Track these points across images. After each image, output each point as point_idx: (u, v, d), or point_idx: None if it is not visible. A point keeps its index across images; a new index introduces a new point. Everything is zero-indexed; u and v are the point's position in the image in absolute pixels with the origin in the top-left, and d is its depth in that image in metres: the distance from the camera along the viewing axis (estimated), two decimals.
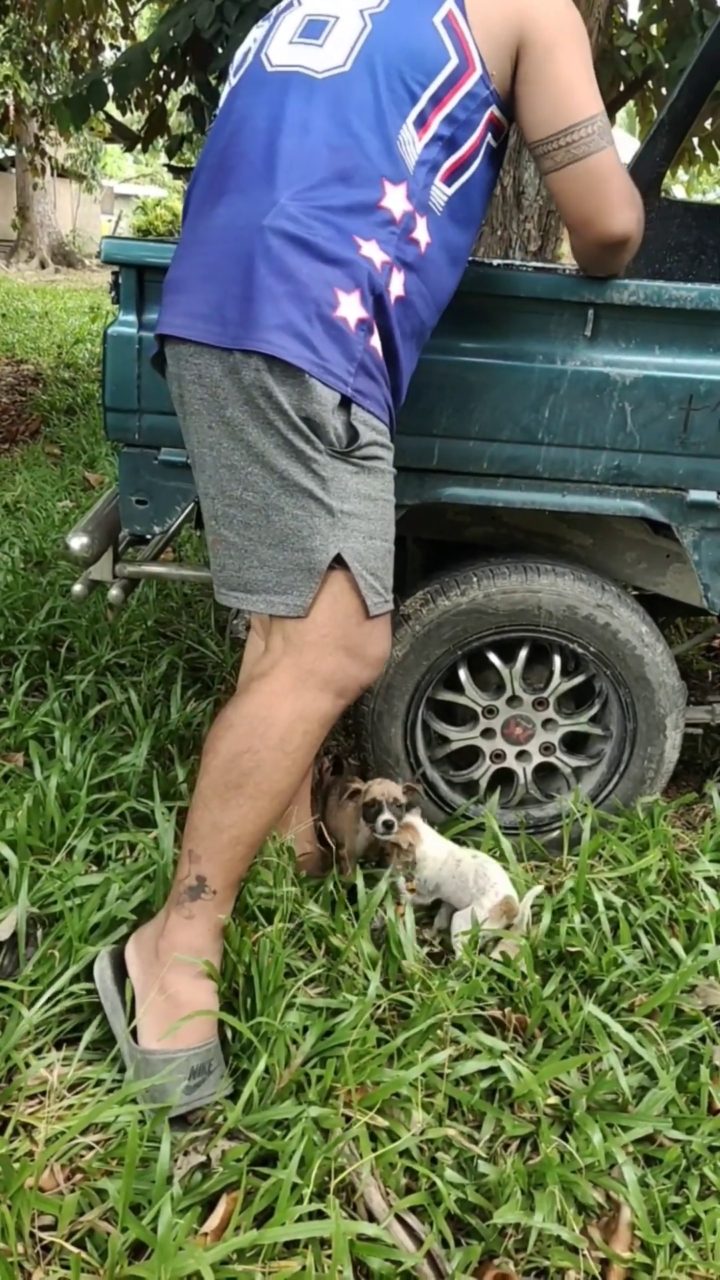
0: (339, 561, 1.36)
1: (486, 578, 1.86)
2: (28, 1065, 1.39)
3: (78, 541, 1.81)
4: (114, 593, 1.94)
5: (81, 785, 1.92)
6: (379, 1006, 1.51)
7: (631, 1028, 1.52)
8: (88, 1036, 1.43)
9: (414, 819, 1.79)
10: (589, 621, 1.86)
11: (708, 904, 1.76)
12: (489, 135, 1.43)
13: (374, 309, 1.33)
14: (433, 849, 1.76)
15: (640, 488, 1.75)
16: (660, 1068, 1.42)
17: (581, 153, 1.41)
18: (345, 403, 1.33)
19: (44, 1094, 1.37)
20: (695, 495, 1.74)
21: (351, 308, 1.30)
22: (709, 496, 1.74)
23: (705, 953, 1.64)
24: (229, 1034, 1.44)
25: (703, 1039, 1.50)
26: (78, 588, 1.93)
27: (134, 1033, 1.39)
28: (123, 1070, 1.38)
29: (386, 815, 1.70)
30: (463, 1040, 1.45)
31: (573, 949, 1.64)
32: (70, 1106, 1.35)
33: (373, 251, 1.31)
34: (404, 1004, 1.53)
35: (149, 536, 1.91)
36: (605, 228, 1.48)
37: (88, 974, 1.48)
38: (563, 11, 1.40)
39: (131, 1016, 1.40)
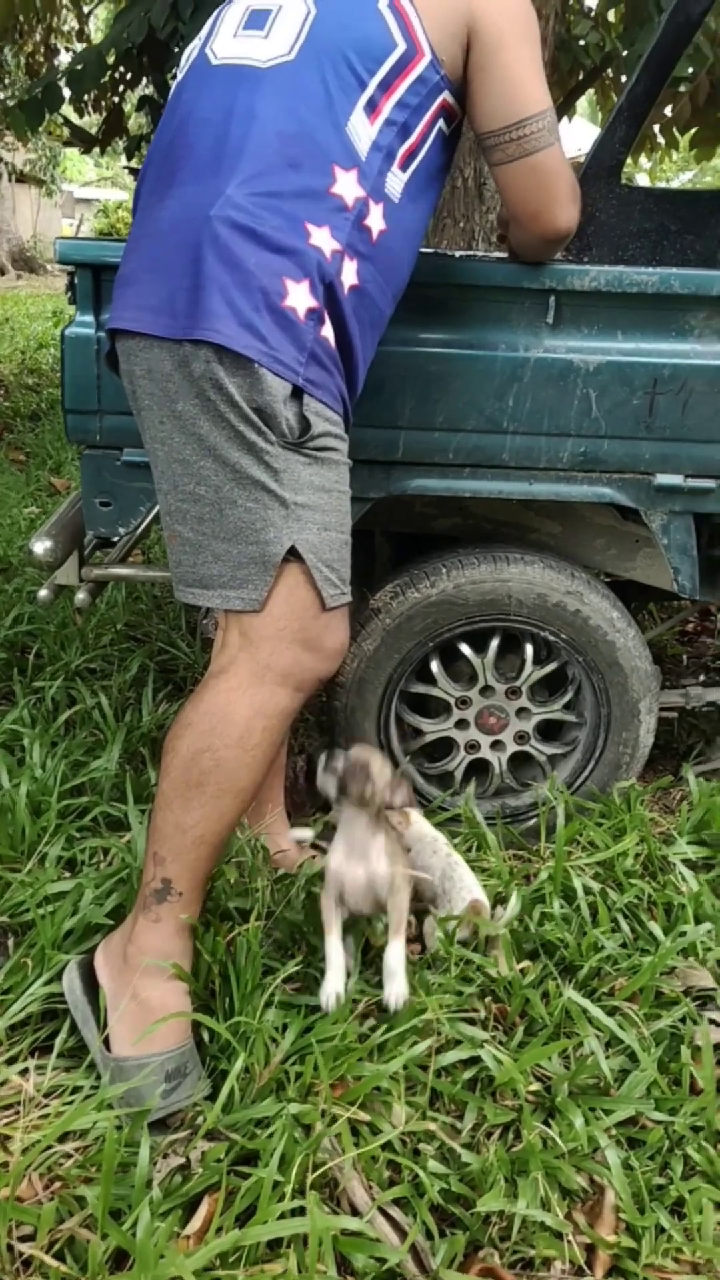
0: (294, 554, 1.35)
1: (456, 568, 1.85)
2: (1, 1081, 1.37)
3: (41, 546, 1.78)
4: (80, 596, 1.92)
5: (52, 791, 1.90)
6: (358, 1001, 1.50)
7: (612, 1011, 1.51)
8: (60, 1044, 1.41)
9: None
10: (560, 609, 1.86)
11: (685, 886, 1.76)
12: (441, 120, 1.42)
13: (325, 298, 1.32)
14: (417, 827, 1.75)
15: (607, 473, 1.75)
16: (641, 1050, 1.42)
17: (532, 147, 1.43)
18: (297, 393, 1.31)
19: (19, 1103, 1.35)
20: (662, 479, 1.74)
21: (300, 297, 1.29)
22: (676, 480, 1.74)
23: (684, 934, 1.64)
24: (206, 1035, 1.42)
25: (683, 1020, 1.50)
26: (43, 593, 1.91)
27: (107, 1041, 1.37)
28: (99, 1078, 1.37)
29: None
30: (443, 1031, 1.44)
31: (551, 938, 1.64)
32: (46, 1115, 1.33)
33: (323, 240, 1.30)
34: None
35: (115, 539, 1.89)
36: (551, 222, 1.50)
37: (61, 981, 1.46)
38: (513, 3, 1.41)
39: (103, 1025, 1.39)
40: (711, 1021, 1.51)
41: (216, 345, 1.26)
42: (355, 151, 1.33)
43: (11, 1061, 1.41)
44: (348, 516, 1.44)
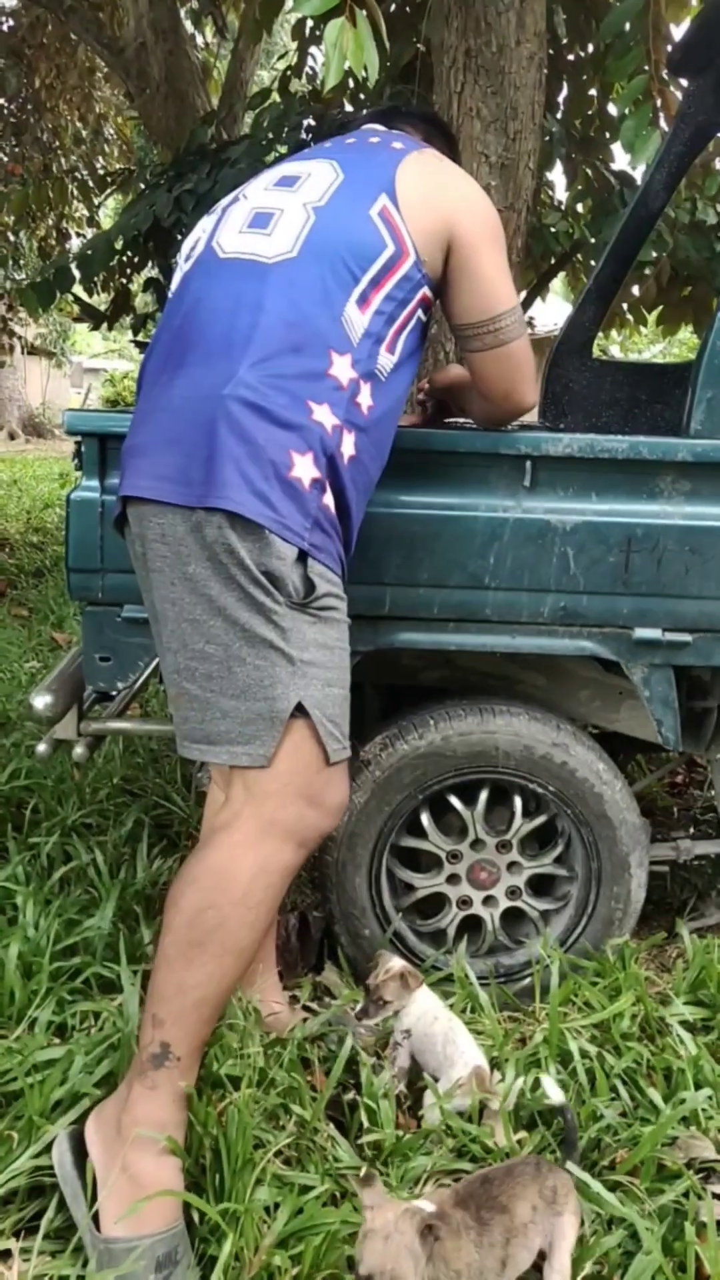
0: (299, 710, 1.39)
1: (443, 720, 1.87)
2: None
3: (41, 700, 1.81)
4: (79, 750, 1.93)
5: (44, 952, 1.85)
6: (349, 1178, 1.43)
7: (613, 1187, 1.44)
8: (46, 1224, 1.34)
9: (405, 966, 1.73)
10: (546, 761, 1.87)
11: (683, 1049, 1.71)
12: (420, 310, 1.57)
13: (327, 469, 1.41)
14: (419, 1002, 1.69)
15: (587, 627, 1.80)
16: (644, 1229, 1.34)
17: (506, 338, 1.64)
18: (302, 556, 1.39)
19: None
20: (641, 633, 1.79)
21: (305, 468, 1.38)
22: (654, 634, 1.79)
23: (684, 1101, 1.58)
24: (195, 1215, 1.35)
25: (686, 1194, 1.43)
26: (42, 747, 1.92)
27: (96, 1218, 1.30)
28: (86, 1262, 1.29)
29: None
30: None
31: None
32: None
33: (324, 416, 1.41)
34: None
35: (113, 693, 1.91)
36: (519, 401, 1.72)
37: (49, 1154, 1.40)
38: (486, 212, 1.61)
39: (93, 1199, 1.32)
40: (716, 1196, 1.44)
41: (230, 512, 1.34)
42: (349, 338, 1.45)
43: None
44: (348, 673, 1.48)
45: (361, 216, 1.50)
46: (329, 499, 1.42)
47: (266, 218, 1.51)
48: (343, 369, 1.44)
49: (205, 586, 1.37)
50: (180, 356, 1.44)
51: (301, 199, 1.52)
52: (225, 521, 1.34)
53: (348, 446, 1.44)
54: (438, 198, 1.57)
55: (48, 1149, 1.40)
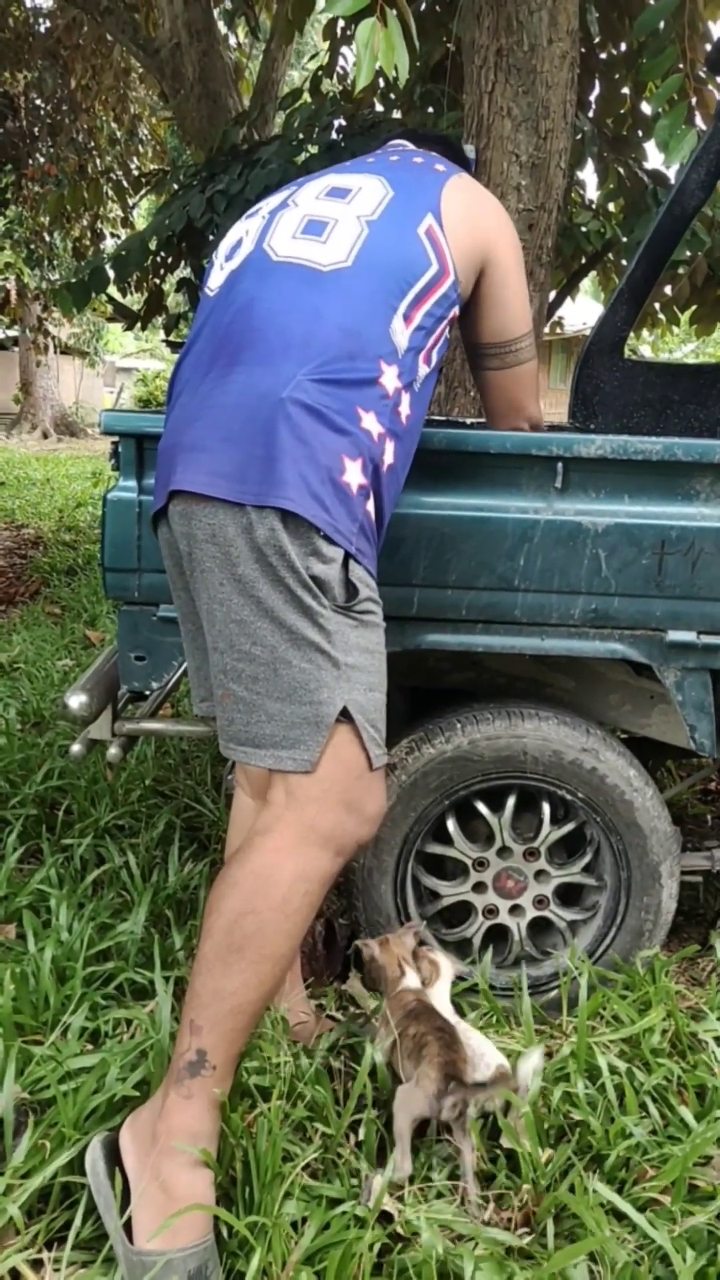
0: (344, 715, 1.39)
1: (470, 724, 1.84)
2: (16, 1275, 1.27)
3: (76, 700, 1.80)
4: (113, 751, 1.93)
5: (78, 957, 1.84)
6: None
7: (643, 1207, 1.40)
8: (75, 1234, 1.32)
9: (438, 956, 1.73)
10: (575, 766, 1.83)
11: (718, 1066, 1.66)
12: (448, 328, 1.61)
13: (372, 476, 1.43)
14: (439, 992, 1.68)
15: (619, 629, 1.76)
16: (674, 1252, 1.30)
17: (525, 358, 1.79)
18: (347, 560, 1.40)
19: None
20: (674, 636, 1.75)
21: (355, 474, 1.40)
22: (688, 637, 1.75)
23: (717, 1119, 1.54)
24: (224, 1228, 1.33)
25: (718, 1216, 1.38)
26: (76, 747, 1.91)
27: (128, 1227, 1.29)
28: (117, 1270, 1.27)
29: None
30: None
31: (575, 1119, 1.54)
32: None
33: (371, 424, 1.43)
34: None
35: (147, 693, 1.90)
36: (530, 414, 1.87)
37: (80, 1161, 1.38)
38: (514, 240, 1.72)
39: (124, 1207, 1.30)
40: None
41: (283, 512, 1.35)
42: (396, 349, 1.48)
43: (26, 1248, 1.31)
44: (385, 677, 1.48)
45: (410, 234, 1.54)
46: (371, 506, 1.44)
47: (321, 226, 1.53)
48: (390, 379, 1.46)
49: (254, 588, 1.37)
50: (233, 355, 1.44)
51: (355, 211, 1.54)
52: (278, 522, 1.35)
53: (388, 455, 1.46)
54: (477, 223, 1.63)
55: (80, 1156, 1.39)
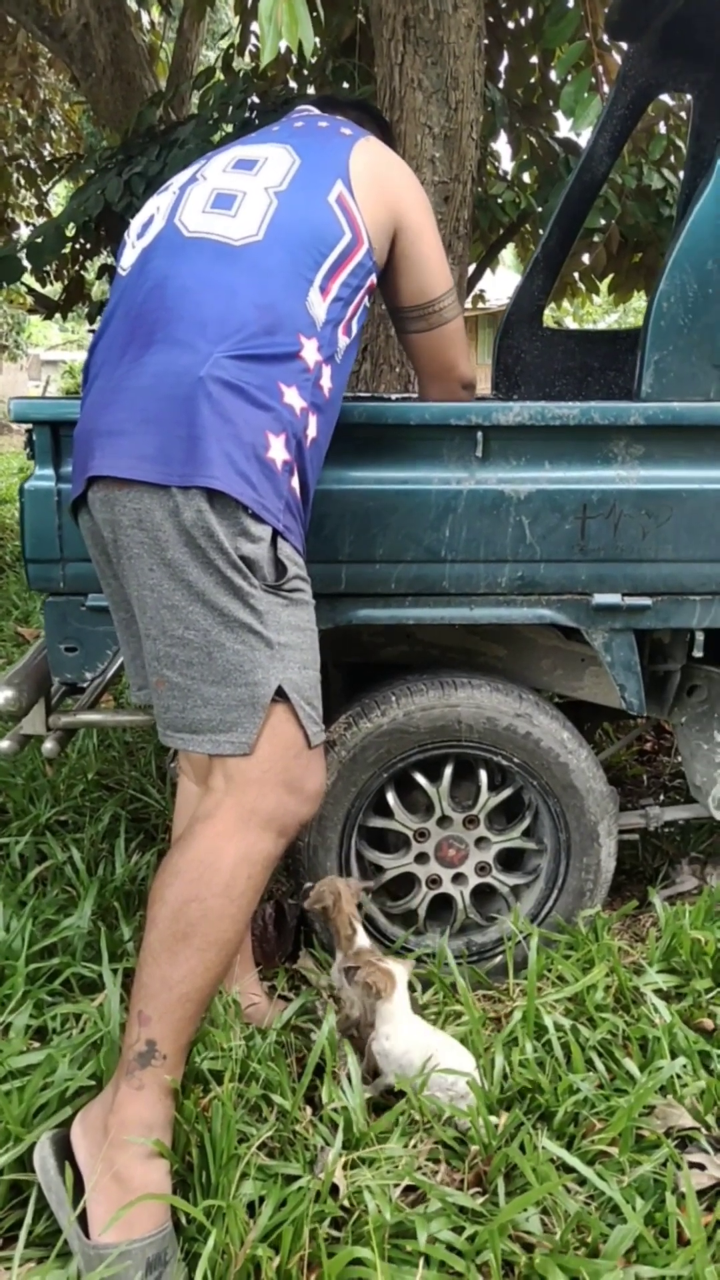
0: (278, 694, 1.38)
1: (405, 696, 1.85)
2: None
3: (3, 695, 1.77)
4: (48, 745, 1.90)
5: (19, 955, 1.81)
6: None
7: (592, 1160, 1.43)
8: (25, 1233, 1.30)
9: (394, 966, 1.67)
10: (510, 732, 1.85)
11: (658, 1018, 1.70)
12: (366, 297, 1.60)
13: (296, 451, 1.42)
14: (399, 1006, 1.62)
15: (546, 595, 1.78)
16: (624, 1201, 1.33)
17: (449, 316, 1.76)
18: (274, 538, 1.39)
19: None
20: (600, 599, 1.77)
21: (279, 450, 1.39)
22: (614, 599, 1.77)
23: (659, 1069, 1.57)
24: (182, 1216, 1.32)
25: (664, 1163, 1.42)
26: (5, 743, 1.88)
27: (83, 1221, 1.27)
28: (72, 1264, 1.25)
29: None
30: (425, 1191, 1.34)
31: (528, 1082, 1.56)
32: None
33: (294, 398, 1.41)
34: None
35: (82, 684, 1.87)
36: (463, 374, 1.84)
37: (27, 1159, 1.36)
38: (423, 198, 1.70)
39: (76, 1202, 1.29)
40: (693, 1165, 1.43)
41: (209, 492, 1.33)
42: (315, 322, 1.47)
43: None
44: (318, 654, 1.48)
45: (320, 203, 1.52)
46: (296, 481, 1.43)
47: (230, 199, 1.50)
48: (310, 352, 1.45)
49: (184, 572, 1.35)
50: (148, 335, 1.41)
51: (262, 182, 1.52)
52: (205, 503, 1.33)
53: (311, 429, 1.45)
54: (386, 186, 1.61)
55: (27, 1154, 1.37)
